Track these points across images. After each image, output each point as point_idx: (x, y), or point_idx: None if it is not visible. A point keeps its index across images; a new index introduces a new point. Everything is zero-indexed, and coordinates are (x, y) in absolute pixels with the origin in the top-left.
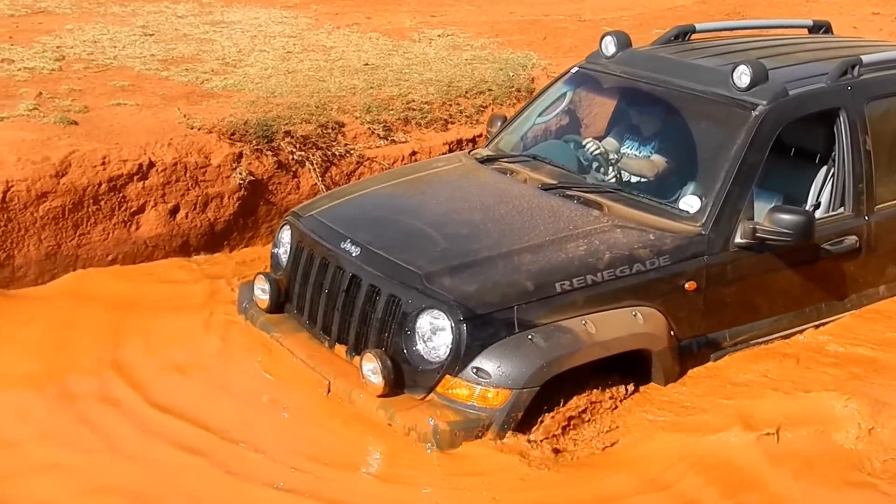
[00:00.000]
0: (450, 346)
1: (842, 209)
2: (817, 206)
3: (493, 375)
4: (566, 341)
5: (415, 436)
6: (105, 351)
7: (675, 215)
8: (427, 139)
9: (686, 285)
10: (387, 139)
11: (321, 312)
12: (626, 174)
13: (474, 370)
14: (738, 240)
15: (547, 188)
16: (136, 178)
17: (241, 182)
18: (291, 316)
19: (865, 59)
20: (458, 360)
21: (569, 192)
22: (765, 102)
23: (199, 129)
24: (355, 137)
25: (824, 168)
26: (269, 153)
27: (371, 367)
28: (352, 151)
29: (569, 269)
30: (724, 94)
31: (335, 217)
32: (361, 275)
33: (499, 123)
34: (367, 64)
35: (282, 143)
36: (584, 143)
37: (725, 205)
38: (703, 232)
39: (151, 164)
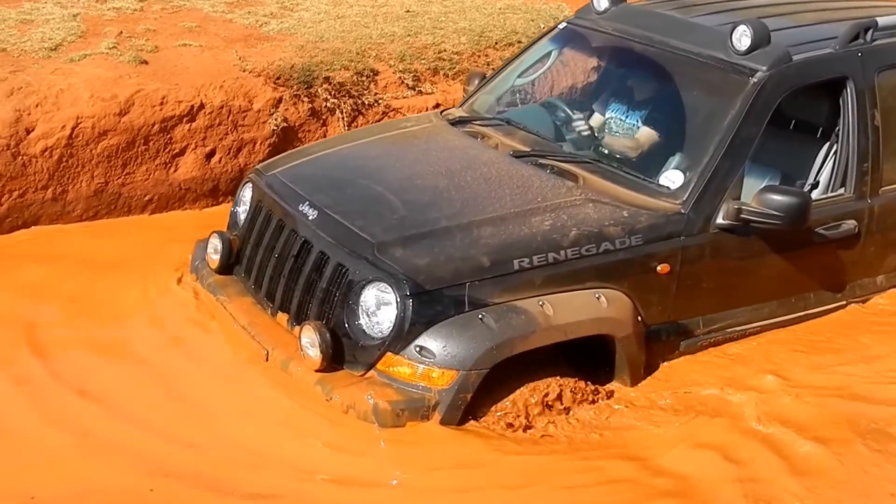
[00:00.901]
0: (393, 322)
1: (842, 190)
2: (815, 185)
3: (438, 355)
4: (519, 323)
5: (353, 414)
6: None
7: (656, 191)
8: (452, 91)
9: (658, 268)
10: (414, 90)
11: (267, 277)
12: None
13: (417, 349)
14: (719, 220)
15: (519, 155)
16: (185, 119)
17: (276, 128)
18: (239, 279)
19: (881, 21)
20: (402, 337)
21: (542, 161)
22: (765, 68)
23: (249, 73)
24: (386, 87)
25: (826, 144)
26: (305, 99)
27: (308, 340)
28: (380, 101)
29: (530, 245)
30: (720, 57)
31: (297, 177)
32: (313, 240)
33: (476, 82)
34: (408, 11)
35: (319, 90)
36: (573, 120)
37: (711, 182)
38: (682, 211)
39: (201, 106)
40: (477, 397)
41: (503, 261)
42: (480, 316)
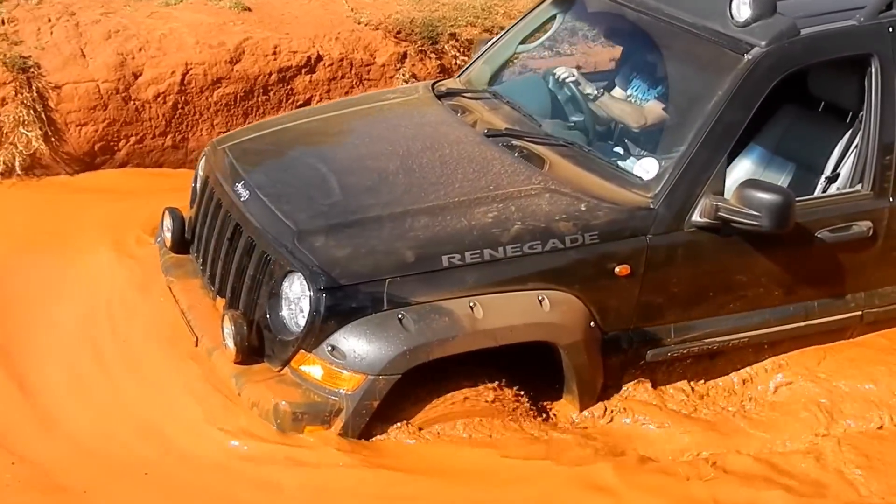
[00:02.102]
0: (306, 318)
1: (859, 186)
2: (834, 178)
3: (348, 356)
4: (440, 325)
5: (257, 412)
6: None
7: (628, 181)
8: (592, 53)
9: (616, 269)
10: (551, 49)
11: (210, 260)
12: (604, 122)
13: (329, 348)
14: (695, 218)
15: (492, 135)
16: (304, 70)
17: (405, 83)
18: (193, 258)
19: None
20: (313, 334)
21: (514, 143)
22: (763, 44)
23: (365, 25)
24: None
25: (849, 133)
26: (433, 56)
27: (227, 331)
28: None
29: (463, 239)
30: (716, 29)
31: (243, 152)
32: (244, 224)
33: (482, 49)
34: None
35: (446, 46)
36: (554, 70)
37: (686, 174)
38: (650, 206)
39: (319, 58)
40: (395, 403)
41: (430, 256)
42: (400, 316)
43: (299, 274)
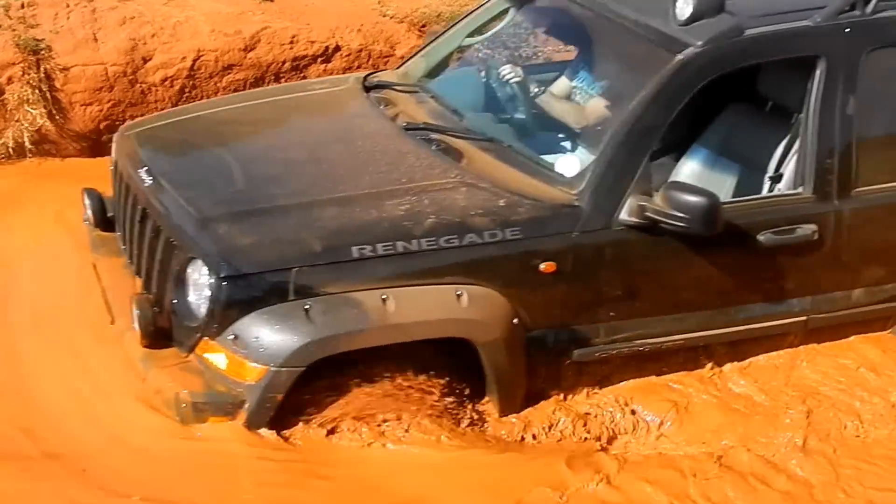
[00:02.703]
0: (208, 305)
1: (801, 189)
2: (777, 179)
3: (250, 346)
4: (349, 318)
5: (160, 400)
6: None
7: (551, 178)
8: None
9: (542, 266)
10: None
11: (128, 239)
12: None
13: (232, 337)
14: (623, 217)
15: (411, 128)
16: (319, 59)
17: None
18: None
19: None
20: (215, 322)
21: (432, 136)
22: (699, 44)
23: (390, 18)
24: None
25: (790, 134)
26: None
27: (135, 314)
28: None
29: (374, 231)
30: (655, 27)
31: (148, 138)
32: (149, 209)
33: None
34: None
35: None
36: (498, 68)
37: (608, 172)
38: (576, 203)
39: (337, 48)
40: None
41: (340, 247)
42: (307, 306)
43: (201, 262)
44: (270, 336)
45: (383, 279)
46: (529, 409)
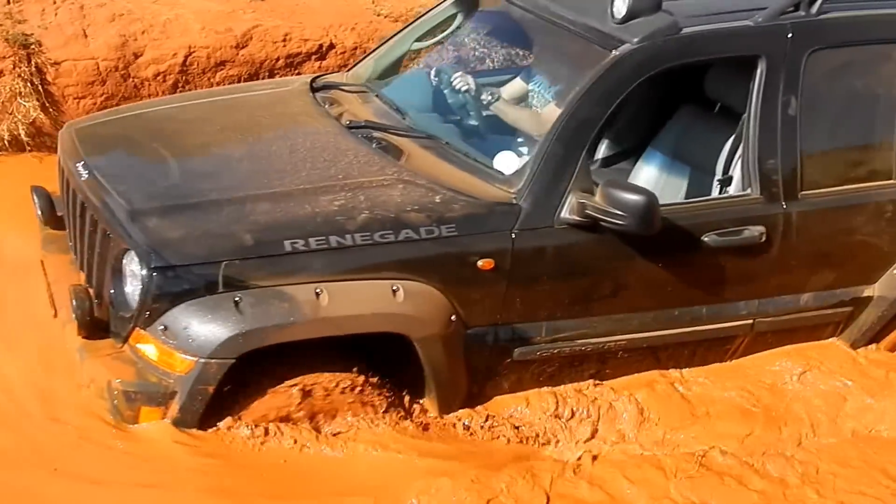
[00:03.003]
0: (139, 296)
1: (749, 190)
2: (727, 182)
3: (179, 338)
4: (279, 311)
5: (94, 388)
6: None
7: (490, 175)
8: None
9: (479, 263)
10: None
11: (71, 234)
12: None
13: (162, 327)
14: (564, 215)
15: (353, 126)
16: (314, 57)
17: None
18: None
19: None
20: (145, 312)
21: (374, 135)
22: (634, 41)
23: (385, 17)
24: None
25: (735, 136)
26: None
27: (72, 305)
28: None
29: (307, 225)
30: (593, 26)
31: (88, 134)
32: (87, 202)
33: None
34: None
35: None
36: (452, 79)
37: (546, 169)
38: (513, 201)
39: (332, 46)
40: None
41: (271, 240)
42: (237, 299)
43: (133, 253)
44: (199, 327)
45: (317, 273)
46: (468, 408)
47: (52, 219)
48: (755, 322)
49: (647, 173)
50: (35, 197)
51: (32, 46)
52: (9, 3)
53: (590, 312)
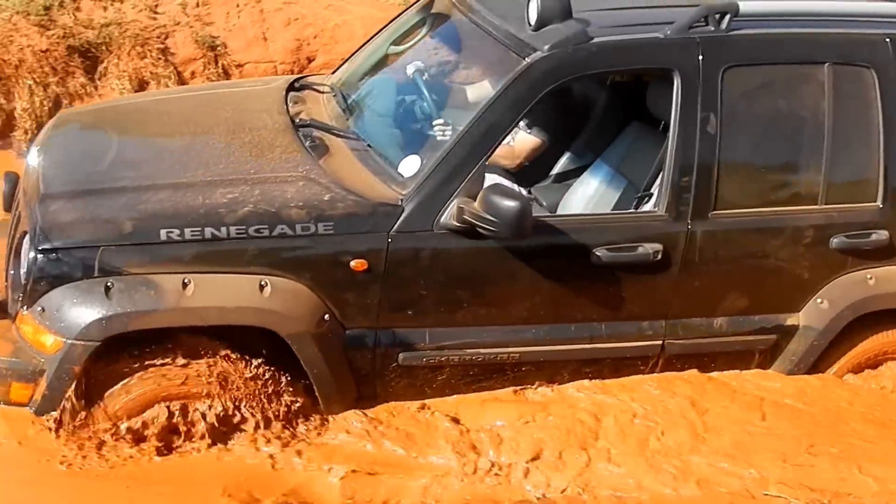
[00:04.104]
0: (23, 277)
1: (656, 208)
2: (646, 197)
3: (52, 319)
4: (143, 297)
5: None
6: None
7: (392, 178)
8: None
9: (352, 263)
10: None
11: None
12: None
13: (40, 308)
14: (445, 220)
15: (301, 125)
16: None
17: None
18: None
19: (747, 6)
20: (28, 293)
21: (314, 134)
22: (545, 48)
23: None
24: None
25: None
26: None
27: None
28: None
29: (187, 216)
30: (511, 32)
31: (65, 121)
32: (24, 186)
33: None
34: None
35: None
36: (433, 122)
37: (439, 173)
38: (397, 203)
39: None
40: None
41: (148, 229)
42: (108, 284)
43: (29, 235)
44: (69, 310)
45: (187, 263)
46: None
47: (13, 204)
48: (665, 343)
49: (587, 185)
50: (2, 182)
51: (219, 48)
52: (198, 5)
53: (476, 322)
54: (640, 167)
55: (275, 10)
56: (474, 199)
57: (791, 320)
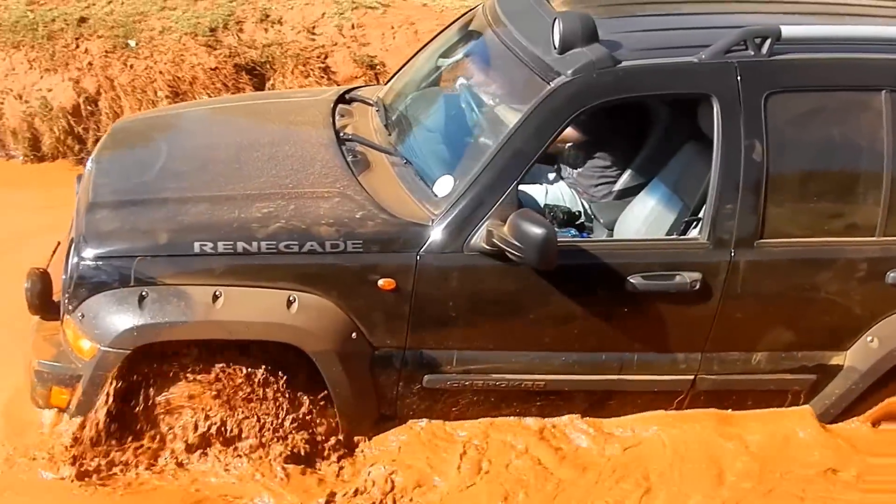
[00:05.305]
0: (67, 282)
1: (698, 234)
2: (692, 223)
3: (89, 325)
4: (174, 309)
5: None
6: None
7: (426, 197)
8: None
9: (379, 282)
10: None
11: None
12: None
13: (80, 315)
14: (475, 242)
15: (344, 139)
16: None
17: None
18: None
19: (790, 31)
20: (69, 298)
21: (356, 149)
22: (569, 73)
23: None
24: None
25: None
26: None
27: (24, 285)
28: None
29: (220, 229)
30: (537, 54)
31: (121, 130)
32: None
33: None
34: None
35: None
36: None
37: (470, 195)
38: (427, 223)
39: None
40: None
41: (183, 241)
42: (143, 293)
43: (76, 242)
44: (105, 318)
45: (218, 276)
46: (377, 431)
47: None
48: (697, 378)
49: (643, 204)
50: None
51: (377, 67)
52: (353, 27)
53: (504, 346)
54: (694, 189)
55: (429, 32)
56: (505, 222)
57: (836, 359)
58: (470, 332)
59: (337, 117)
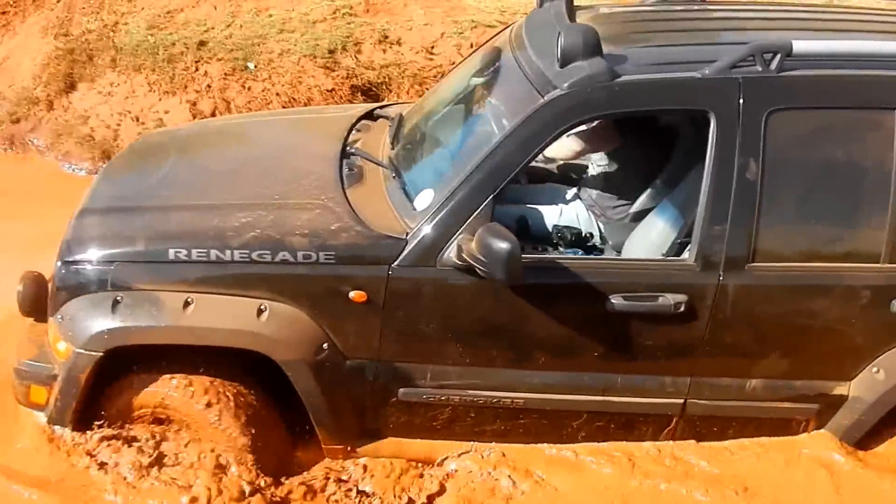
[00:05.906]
0: (51, 285)
1: (686, 255)
2: (683, 244)
3: (66, 327)
4: (145, 313)
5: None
6: None
7: (407, 210)
8: None
9: (351, 294)
10: None
11: None
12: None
13: (60, 317)
14: (447, 256)
15: (348, 154)
16: None
17: None
18: None
19: (801, 46)
20: (52, 300)
21: (356, 163)
22: (564, 86)
23: None
24: None
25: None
26: None
27: (17, 288)
28: None
29: (195, 237)
30: (539, 67)
31: (142, 142)
32: None
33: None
34: None
35: None
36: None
37: (446, 208)
38: (403, 236)
39: None
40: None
41: (158, 247)
42: (118, 298)
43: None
44: (79, 320)
45: (192, 283)
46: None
47: None
48: (687, 402)
49: (651, 226)
50: None
51: None
52: (472, 46)
53: (480, 362)
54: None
55: None
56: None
57: (839, 389)
58: (445, 347)
59: (353, 132)
